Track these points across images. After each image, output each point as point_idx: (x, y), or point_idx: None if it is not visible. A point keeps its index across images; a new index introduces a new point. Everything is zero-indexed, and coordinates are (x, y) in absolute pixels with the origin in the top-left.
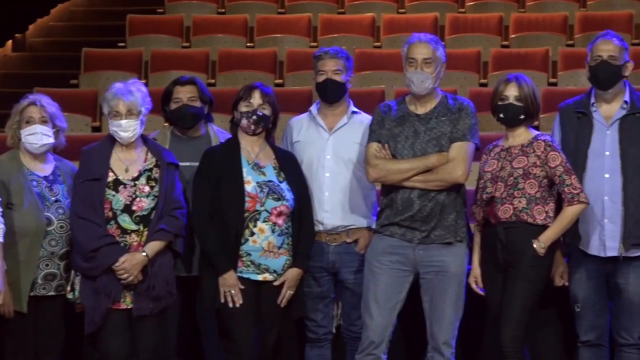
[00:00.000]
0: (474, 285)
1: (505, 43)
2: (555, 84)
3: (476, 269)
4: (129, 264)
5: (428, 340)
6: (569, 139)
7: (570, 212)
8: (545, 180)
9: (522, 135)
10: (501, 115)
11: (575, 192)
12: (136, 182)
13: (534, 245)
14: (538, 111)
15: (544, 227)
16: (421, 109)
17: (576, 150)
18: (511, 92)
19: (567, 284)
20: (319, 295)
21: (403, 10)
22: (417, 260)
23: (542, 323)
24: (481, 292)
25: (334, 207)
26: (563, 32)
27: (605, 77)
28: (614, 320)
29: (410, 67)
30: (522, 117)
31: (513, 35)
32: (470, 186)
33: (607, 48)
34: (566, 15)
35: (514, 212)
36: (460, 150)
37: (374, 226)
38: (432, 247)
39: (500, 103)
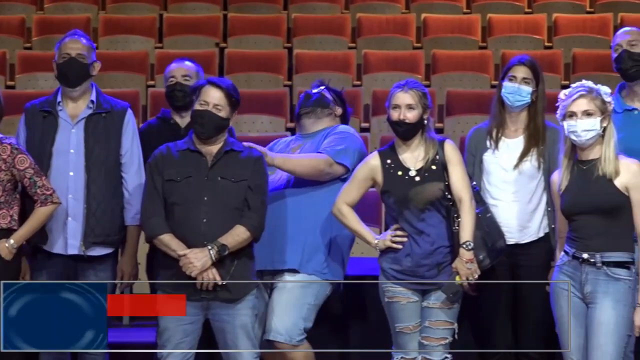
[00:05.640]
0: None
1: None
2: (13, 87)
3: None
4: None
5: None
6: (34, 139)
7: (42, 212)
8: (9, 184)
9: None
10: None
11: (48, 193)
12: None
13: None
14: (3, 114)
15: (9, 231)
16: None
17: (41, 149)
18: None
19: None
20: None
21: None
22: None
23: None
24: None
25: None
26: (21, 35)
27: (73, 74)
28: None
29: None
30: None
31: None
32: None
33: (76, 47)
34: (23, 18)
35: None
36: None
37: None
38: None
39: None
